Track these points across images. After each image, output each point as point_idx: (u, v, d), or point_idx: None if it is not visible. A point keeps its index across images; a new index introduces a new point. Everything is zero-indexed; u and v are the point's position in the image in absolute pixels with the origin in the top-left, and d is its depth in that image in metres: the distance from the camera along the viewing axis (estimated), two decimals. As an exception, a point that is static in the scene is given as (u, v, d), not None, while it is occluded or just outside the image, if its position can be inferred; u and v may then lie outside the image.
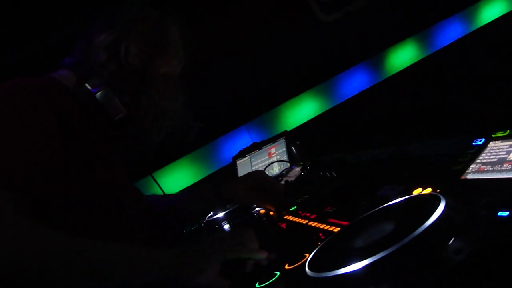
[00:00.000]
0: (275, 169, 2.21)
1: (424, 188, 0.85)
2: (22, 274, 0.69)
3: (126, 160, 1.23)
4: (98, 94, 1.08)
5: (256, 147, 2.29)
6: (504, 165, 0.77)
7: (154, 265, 0.83)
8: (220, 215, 1.60)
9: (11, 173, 0.79)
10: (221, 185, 1.40)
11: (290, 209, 1.30)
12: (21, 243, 0.71)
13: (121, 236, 1.03)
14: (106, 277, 0.78)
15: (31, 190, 0.81)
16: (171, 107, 1.21)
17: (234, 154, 2.32)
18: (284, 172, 2.00)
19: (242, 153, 2.27)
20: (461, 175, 0.84)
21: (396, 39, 3.48)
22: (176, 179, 2.90)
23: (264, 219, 1.36)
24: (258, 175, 1.40)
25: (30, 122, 0.87)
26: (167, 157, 2.83)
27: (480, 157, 0.86)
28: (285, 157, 2.22)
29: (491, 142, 0.89)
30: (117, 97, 1.10)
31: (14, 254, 0.69)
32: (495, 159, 0.81)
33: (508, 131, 0.88)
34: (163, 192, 1.43)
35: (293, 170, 1.91)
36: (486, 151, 0.87)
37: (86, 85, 1.08)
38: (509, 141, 0.85)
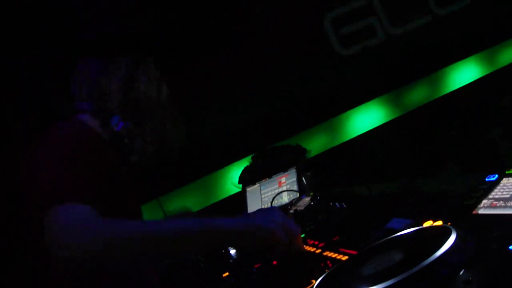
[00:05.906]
0: (285, 198, 2.20)
1: (434, 221, 0.84)
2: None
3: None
4: (121, 131, 1.25)
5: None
6: (517, 201, 0.77)
7: None
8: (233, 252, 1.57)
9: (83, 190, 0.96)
10: None
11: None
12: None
13: None
14: None
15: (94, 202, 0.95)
16: (172, 133, 1.35)
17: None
18: (293, 201, 1.99)
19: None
20: (473, 210, 0.83)
21: (411, 78, 3.51)
22: (183, 204, 2.91)
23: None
24: None
25: (86, 155, 1.07)
26: (174, 182, 2.84)
27: (493, 193, 0.85)
28: (295, 187, 2.21)
29: (504, 179, 0.88)
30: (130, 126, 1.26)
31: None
32: (508, 196, 0.81)
33: (522, 168, 0.88)
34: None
35: (303, 200, 1.90)
36: (499, 187, 0.86)
37: (111, 124, 1.24)
38: (523, 178, 0.84)
